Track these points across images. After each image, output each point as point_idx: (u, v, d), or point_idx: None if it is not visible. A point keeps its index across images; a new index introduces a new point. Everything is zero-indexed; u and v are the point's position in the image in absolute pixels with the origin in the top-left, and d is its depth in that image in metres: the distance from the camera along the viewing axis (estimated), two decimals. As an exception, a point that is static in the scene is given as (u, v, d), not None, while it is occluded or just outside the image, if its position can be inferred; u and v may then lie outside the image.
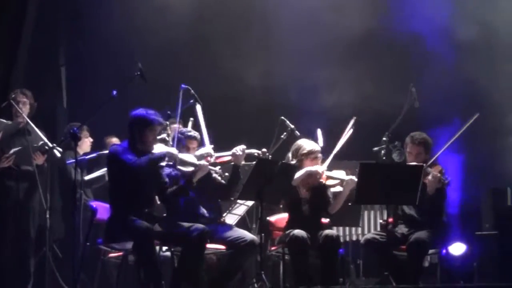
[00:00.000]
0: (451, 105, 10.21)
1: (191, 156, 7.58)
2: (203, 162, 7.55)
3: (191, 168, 7.48)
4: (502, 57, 10.44)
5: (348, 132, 8.26)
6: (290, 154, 8.14)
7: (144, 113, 7.45)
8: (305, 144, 8.07)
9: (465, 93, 10.34)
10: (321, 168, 7.92)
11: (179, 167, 7.42)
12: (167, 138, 8.05)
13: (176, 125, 8.09)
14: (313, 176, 7.93)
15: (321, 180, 7.98)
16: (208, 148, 7.80)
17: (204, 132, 8.05)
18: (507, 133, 10.32)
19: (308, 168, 7.91)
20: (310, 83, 10.55)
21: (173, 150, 7.42)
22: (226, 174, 7.78)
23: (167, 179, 7.56)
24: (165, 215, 7.72)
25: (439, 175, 7.75)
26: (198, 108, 8.10)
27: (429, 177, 7.77)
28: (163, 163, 7.42)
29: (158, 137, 7.69)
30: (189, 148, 7.76)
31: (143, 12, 10.65)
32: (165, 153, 7.35)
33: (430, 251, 8.01)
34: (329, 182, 8.03)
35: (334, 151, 8.17)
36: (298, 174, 7.84)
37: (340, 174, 8.04)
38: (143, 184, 7.41)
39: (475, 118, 8.01)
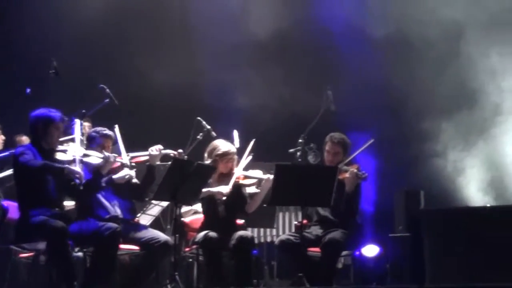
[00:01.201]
0: (367, 109, 10.46)
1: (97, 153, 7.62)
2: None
3: (99, 161, 7.52)
4: (420, 59, 10.76)
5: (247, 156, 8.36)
6: (206, 154, 8.25)
7: (47, 111, 7.54)
8: (221, 145, 8.20)
9: (382, 97, 10.59)
10: (225, 189, 8.01)
11: (86, 160, 7.46)
12: (81, 138, 8.05)
13: (89, 124, 8.12)
14: (225, 181, 8.04)
15: (237, 179, 8.10)
16: (128, 171, 7.83)
17: (123, 151, 8.01)
18: (422, 138, 10.62)
19: (211, 188, 8.02)
20: (227, 84, 10.72)
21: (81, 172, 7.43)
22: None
23: (77, 180, 7.56)
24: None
25: (355, 170, 8.00)
26: (117, 129, 8.06)
27: (347, 174, 8.00)
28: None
29: (68, 137, 7.71)
30: (104, 147, 7.80)
31: (56, 8, 10.60)
32: (65, 168, 7.35)
33: (344, 252, 8.22)
34: (246, 181, 8.17)
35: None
36: (203, 191, 7.94)
37: (257, 173, 8.19)
38: (46, 184, 7.44)
39: (370, 143, 8.23)
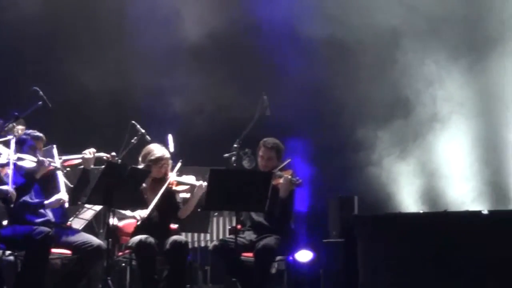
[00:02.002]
0: (304, 115, 10.60)
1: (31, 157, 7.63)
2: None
3: (33, 165, 7.53)
4: (357, 65, 10.93)
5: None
6: (140, 158, 8.32)
7: None
8: (155, 150, 8.28)
9: (319, 102, 10.74)
10: (142, 213, 8.07)
11: (20, 163, 7.46)
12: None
13: (23, 126, 8.10)
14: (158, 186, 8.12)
15: (170, 185, 8.18)
16: (60, 195, 7.81)
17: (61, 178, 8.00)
18: (357, 146, 10.81)
19: (128, 213, 8.12)
20: (162, 87, 10.75)
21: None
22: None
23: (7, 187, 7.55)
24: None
25: (290, 177, 8.14)
26: (54, 150, 8.07)
27: (281, 180, 8.15)
28: None
29: (2, 139, 7.70)
30: (36, 149, 7.80)
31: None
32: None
33: (278, 257, 8.37)
34: (179, 187, 8.26)
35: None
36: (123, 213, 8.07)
37: (190, 179, 8.28)
38: None
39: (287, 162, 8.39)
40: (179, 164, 8.31)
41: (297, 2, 10.91)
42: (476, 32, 10.54)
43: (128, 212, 8.14)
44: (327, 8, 10.79)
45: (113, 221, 7.79)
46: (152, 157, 8.21)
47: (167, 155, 8.29)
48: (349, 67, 10.83)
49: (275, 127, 9.39)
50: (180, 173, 8.32)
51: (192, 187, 8.21)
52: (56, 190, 7.81)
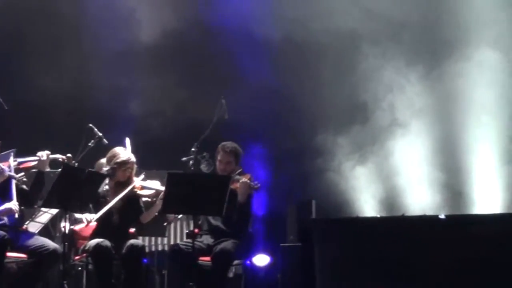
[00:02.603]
0: (263, 119, 10.67)
1: None
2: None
3: None
4: (317, 70, 11.04)
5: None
6: (105, 160, 8.35)
7: None
8: (121, 154, 8.29)
9: (278, 106, 10.82)
10: (89, 217, 8.05)
11: None
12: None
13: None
14: (122, 190, 8.16)
15: (135, 189, 8.23)
16: (12, 204, 7.79)
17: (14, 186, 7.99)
18: (316, 150, 10.90)
19: (77, 214, 8.14)
20: (120, 90, 10.74)
21: None
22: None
23: None
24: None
25: (248, 180, 8.23)
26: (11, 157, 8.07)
27: (239, 184, 8.23)
28: None
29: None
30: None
31: None
32: None
33: (235, 261, 8.45)
34: (143, 192, 8.29)
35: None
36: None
37: (155, 184, 8.32)
38: None
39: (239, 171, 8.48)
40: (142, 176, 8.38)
41: (256, 4, 10.93)
42: (434, 37, 10.70)
43: (78, 215, 8.16)
44: (287, 11, 10.87)
45: (64, 224, 7.78)
46: (118, 160, 8.22)
47: (133, 159, 8.31)
48: (309, 71, 10.94)
49: (234, 131, 9.46)
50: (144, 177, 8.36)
51: (157, 192, 8.23)
52: (8, 198, 7.78)
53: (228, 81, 10.66)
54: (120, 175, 8.23)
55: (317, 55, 10.91)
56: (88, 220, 8.00)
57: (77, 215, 8.24)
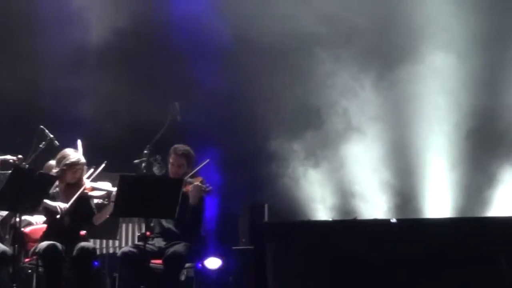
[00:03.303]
0: (217, 121, 10.71)
1: None
2: None
3: None
4: (272, 73, 11.11)
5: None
6: (54, 161, 8.36)
7: None
8: (71, 155, 8.30)
9: (232, 109, 10.86)
10: (63, 205, 8.12)
11: None
12: None
13: None
14: (72, 191, 8.18)
15: (86, 191, 8.25)
16: None
17: None
18: (270, 154, 10.98)
19: (49, 202, 8.12)
20: (72, 91, 10.70)
21: None
22: None
23: None
24: None
25: (199, 183, 8.30)
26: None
27: (191, 187, 8.29)
28: None
29: None
30: None
31: None
32: None
33: (187, 264, 8.51)
34: (94, 193, 8.31)
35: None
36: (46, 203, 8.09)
37: (106, 185, 8.35)
38: None
39: (206, 162, 8.57)
40: (99, 169, 8.40)
41: (209, 5, 10.98)
42: (387, 42, 10.83)
43: (28, 217, 8.16)
44: (241, 13, 10.88)
45: (15, 226, 7.78)
46: (67, 162, 8.23)
47: (83, 160, 8.33)
48: (263, 75, 11.00)
49: (186, 133, 9.50)
50: (95, 179, 8.38)
51: (109, 193, 8.27)
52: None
53: (181, 82, 10.68)
54: (70, 176, 8.24)
55: (271, 59, 10.99)
56: (37, 222, 8.01)
57: (27, 217, 8.23)
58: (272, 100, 11.00)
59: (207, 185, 8.38)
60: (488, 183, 10.54)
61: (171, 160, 8.61)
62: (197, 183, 8.34)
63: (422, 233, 9.05)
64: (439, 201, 10.75)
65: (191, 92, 10.48)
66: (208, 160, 8.58)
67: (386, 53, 10.87)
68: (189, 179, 8.39)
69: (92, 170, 8.34)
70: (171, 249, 8.25)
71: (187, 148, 8.68)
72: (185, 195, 8.21)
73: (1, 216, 8.70)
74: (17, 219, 7.77)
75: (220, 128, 10.52)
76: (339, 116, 11.14)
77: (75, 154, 8.32)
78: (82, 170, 8.31)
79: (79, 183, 8.27)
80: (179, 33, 10.80)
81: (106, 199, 8.25)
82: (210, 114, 10.78)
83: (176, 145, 8.67)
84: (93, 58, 10.83)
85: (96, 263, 8.27)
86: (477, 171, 10.61)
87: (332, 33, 10.93)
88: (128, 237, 9.37)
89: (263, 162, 10.96)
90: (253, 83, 10.93)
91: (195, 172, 8.53)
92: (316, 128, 11.10)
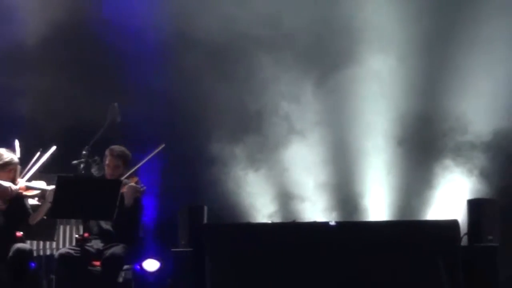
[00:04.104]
0: (157, 124, 10.71)
1: None
2: None
3: None
4: (215, 77, 11.10)
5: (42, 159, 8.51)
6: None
7: None
8: (4, 155, 8.30)
9: (172, 111, 10.88)
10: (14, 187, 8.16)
11: None
12: None
13: None
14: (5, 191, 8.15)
15: (20, 190, 8.23)
16: None
17: None
18: (210, 157, 11.01)
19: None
20: (8, 90, 10.61)
21: None
22: None
23: None
24: None
25: (134, 184, 8.38)
26: None
27: (125, 187, 8.35)
28: None
29: None
30: None
31: None
32: None
33: (125, 266, 8.56)
34: (29, 192, 8.32)
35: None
36: None
37: (41, 184, 8.35)
38: None
39: (160, 148, 8.67)
40: (34, 168, 8.38)
41: (150, 5, 10.98)
42: (327, 45, 10.92)
43: None
44: (182, 12, 10.91)
45: None
46: (0, 162, 8.24)
47: (16, 160, 8.33)
48: (204, 78, 11.02)
49: (126, 135, 9.57)
50: (30, 179, 8.37)
51: (43, 192, 8.26)
52: None
53: (122, 82, 10.67)
54: (4, 176, 8.22)
55: (211, 61, 11.02)
56: None
57: None
58: (213, 103, 11.04)
59: (142, 185, 8.44)
60: (424, 186, 10.72)
61: (107, 162, 8.67)
62: (132, 183, 8.39)
63: (360, 235, 9.20)
64: (378, 204, 10.90)
65: (131, 93, 10.47)
66: (163, 145, 8.65)
67: (326, 56, 10.95)
68: (125, 180, 8.44)
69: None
70: (109, 251, 8.30)
71: (123, 149, 8.74)
72: (121, 196, 8.25)
73: None
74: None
75: (161, 130, 10.52)
76: (279, 120, 11.22)
77: (8, 154, 8.32)
78: (16, 170, 8.30)
79: (13, 183, 8.24)
80: (119, 32, 10.75)
81: (42, 198, 8.25)
82: (150, 115, 10.77)
83: (112, 146, 8.73)
84: (31, 55, 10.73)
85: (32, 264, 8.25)
86: (414, 175, 10.78)
87: (273, 35, 10.98)
88: (65, 239, 9.34)
89: (204, 164, 10.99)
90: (194, 85, 10.95)
91: (132, 172, 8.58)
92: (257, 131, 11.17)
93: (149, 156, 8.64)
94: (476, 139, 10.60)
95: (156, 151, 8.66)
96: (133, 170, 8.58)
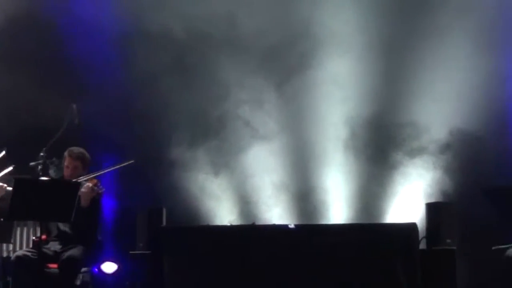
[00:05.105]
0: (116, 126, 10.71)
1: None
2: None
3: None
4: (177, 79, 11.08)
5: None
6: None
7: None
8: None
9: (131, 113, 10.91)
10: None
11: None
12: None
13: None
14: None
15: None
16: None
17: None
18: (169, 161, 11.03)
19: None
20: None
21: None
22: None
23: None
24: None
25: (91, 185, 8.44)
26: None
27: (83, 189, 8.39)
28: None
29: None
30: None
31: None
32: None
33: (83, 269, 8.63)
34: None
35: None
36: None
37: None
38: None
39: (129, 163, 8.78)
40: None
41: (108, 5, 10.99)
42: (288, 48, 11.00)
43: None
44: (141, 11, 10.92)
45: None
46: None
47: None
48: (165, 80, 11.01)
49: (85, 136, 9.57)
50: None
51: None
52: None
53: (81, 83, 10.67)
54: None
55: (170, 62, 11.02)
56: None
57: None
58: (173, 106, 11.06)
59: (100, 186, 8.48)
60: (384, 190, 10.85)
61: (65, 163, 8.72)
62: (89, 184, 8.43)
63: (319, 238, 9.30)
64: (338, 207, 11.00)
65: (90, 94, 10.47)
66: (132, 161, 8.73)
67: (287, 59, 11.03)
68: (83, 182, 8.48)
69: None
70: (67, 253, 8.34)
71: (82, 150, 8.78)
72: (78, 197, 8.24)
73: None
74: None
75: (122, 132, 10.52)
76: (240, 124, 11.25)
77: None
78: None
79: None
80: (78, 32, 10.76)
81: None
82: (110, 117, 10.78)
83: (70, 148, 8.78)
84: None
85: (-11, 267, 8.27)
86: (373, 178, 10.90)
87: (234, 38, 11.05)
88: (23, 241, 9.35)
89: (164, 167, 11.02)
90: (154, 87, 10.98)
91: (90, 175, 8.61)
92: (218, 135, 11.21)
93: (113, 167, 8.66)
94: (434, 142, 10.74)
95: (123, 164, 8.69)
96: (92, 175, 8.59)
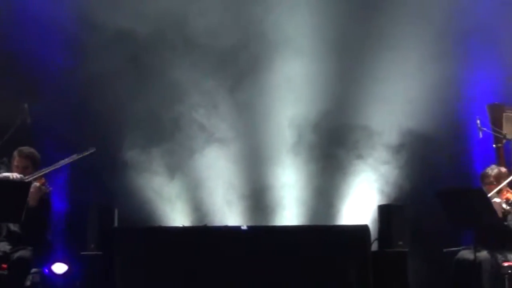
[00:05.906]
0: (69, 126, 10.67)
1: None
2: None
3: None
4: (129, 79, 11.08)
5: None
6: None
7: None
8: None
9: (85, 114, 10.89)
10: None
11: None
12: None
13: None
14: None
15: None
16: None
17: None
18: (122, 162, 11.02)
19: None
20: None
21: None
22: None
23: None
24: None
25: (38, 184, 8.42)
26: None
27: (31, 188, 8.32)
28: None
29: None
30: None
31: None
32: None
33: (33, 270, 8.56)
34: None
35: None
36: None
37: None
38: None
39: (90, 153, 8.77)
40: None
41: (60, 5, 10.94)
42: (242, 51, 11.05)
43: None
44: (95, 9, 10.85)
45: None
46: None
47: None
48: (118, 80, 10.97)
49: (37, 136, 9.54)
50: None
51: None
52: None
53: (33, 83, 10.62)
54: None
55: (123, 63, 11.00)
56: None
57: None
58: (127, 106, 11.05)
59: (47, 186, 8.46)
60: (336, 192, 10.95)
61: (15, 163, 8.68)
62: (36, 183, 8.41)
63: (272, 240, 9.39)
64: (291, 209, 11.09)
65: (42, 94, 10.44)
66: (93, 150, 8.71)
67: (240, 62, 11.08)
68: (33, 181, 8.45)
69: None
70: (16, 254, 8.30)
71: (32, 150, 8.75)
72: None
73: None
74: None
75: (74, 132, 10.49)
76: (195, 126, 11.28)
77: None
78: None
79: None
80: (29, 29, 10.72)
81: None
82: (61, 116, 10.74)
83: (20, 148, 8.75)
84: None
85: None
86: (326, 180, 10.99)
87: (187, 39, 11.10)
88: (-28, 242, 9.27)
89: (117, 169, 11.00)
90: (106, 88, 10.91)
91: (42, 174, 8.60)
92: (172, 136, 11.21)
93: (75, 158, 8.63)
94: (386, 144, 10.88)
95: (85, 154, 8.66)
96: (43, 172, 8.57)
